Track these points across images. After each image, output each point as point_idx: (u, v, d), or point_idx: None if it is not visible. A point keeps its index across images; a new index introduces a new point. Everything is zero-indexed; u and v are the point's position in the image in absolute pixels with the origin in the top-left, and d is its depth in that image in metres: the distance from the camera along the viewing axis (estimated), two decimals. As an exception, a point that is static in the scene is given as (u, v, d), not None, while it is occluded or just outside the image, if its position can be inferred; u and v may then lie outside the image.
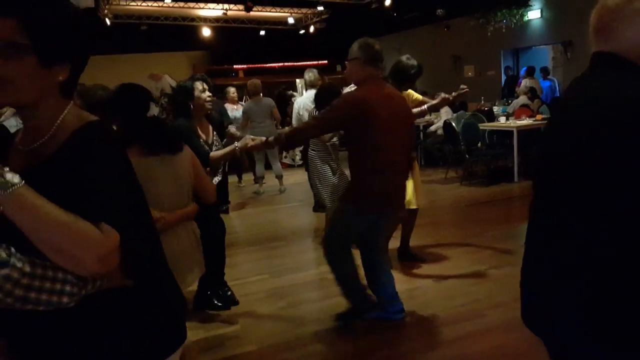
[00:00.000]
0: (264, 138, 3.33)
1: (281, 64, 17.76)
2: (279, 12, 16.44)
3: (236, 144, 3.30)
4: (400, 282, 4.35)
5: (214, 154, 3.43)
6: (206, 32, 17.19)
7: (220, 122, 4.50)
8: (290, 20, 17.09)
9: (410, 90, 4.58)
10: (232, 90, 8.84)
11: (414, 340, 3.50)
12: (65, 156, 1.23)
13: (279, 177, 8.50)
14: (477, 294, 4.06)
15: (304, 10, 16.74)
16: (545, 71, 12.28)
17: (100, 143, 1.27)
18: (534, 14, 13.00)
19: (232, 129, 5.25)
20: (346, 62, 3.40)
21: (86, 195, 1.18)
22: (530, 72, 11.83)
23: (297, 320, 3.85)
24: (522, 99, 10.31)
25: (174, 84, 9.72)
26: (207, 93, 3.58)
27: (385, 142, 3.21)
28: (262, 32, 17.66)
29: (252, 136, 3.45)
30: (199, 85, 3.55)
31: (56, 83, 1.26)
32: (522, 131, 8.07)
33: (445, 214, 6.79)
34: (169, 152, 2.56)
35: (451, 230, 5.90)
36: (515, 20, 12.96)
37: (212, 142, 3.63)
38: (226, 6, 15.55)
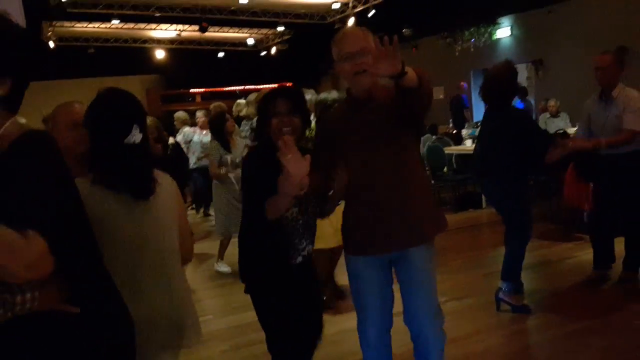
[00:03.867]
0: None
1: (242, 87, 17.78)
2: (238, 32, 16.55)
3: None
4: (351, 319, 4.32)
5: None
6: (160, 54, 17.21)
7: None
8: (250, 41, 17.20)
9: None
10: (200, 114, 8.95)
11: None
12: (0, 166, 1.31)
13: None
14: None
15: (264, 31, 16.89)
16: (523, 91, 12.20)
17: (31, 152, 1.34)
18: (503, 32, 13.34)
19: None
20: None
21: (12, 203, 1.26)
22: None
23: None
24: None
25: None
26: None
27: None
28: (221, 54, 17.73)
29: None
30: None
31: None
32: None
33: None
34: (131, 195, 1.98)
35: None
36: (483, 39, 13.28)
37: None
38: (180, 27, 15.58)
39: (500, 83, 4.03)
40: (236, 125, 6.47)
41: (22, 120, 1.47)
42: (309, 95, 6.44)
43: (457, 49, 13.32)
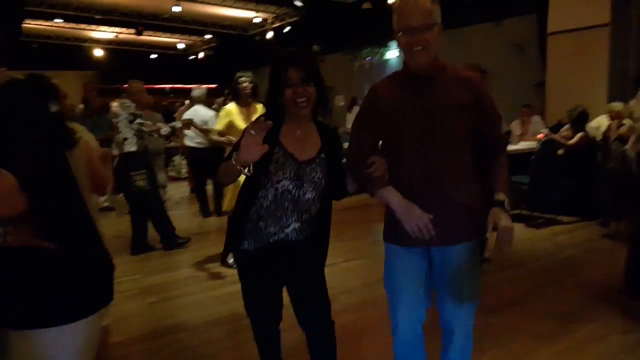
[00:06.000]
0: None
1: (171, 85, 17.26)
2: (170, 37, 16.05)
3: None
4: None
5: None
6: (98, 52, 16.38)
7: None
8: (180, 46, 16.78)
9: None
10: (115, 103, 8.56)
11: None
12: None
13: (163, 187, 8.24)
14: (331, 282, 4.18)
15: (193, 38, 16.48)
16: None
17: (12, 97, 1.24)
18: (392, 54, 13.82)
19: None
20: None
21: None
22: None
23: (165, 313, 3.74)
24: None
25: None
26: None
27: None
28: (154, 56, 17.13)
29: None
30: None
31: None
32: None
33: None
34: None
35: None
36: (377, 58, 13.71)
37: None
38: (118, 29, 14.91)
39: None
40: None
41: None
42: (197, 91, 6.48)
43: (355, 64, 13.65)
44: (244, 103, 4.42)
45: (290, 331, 2.39)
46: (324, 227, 2.13)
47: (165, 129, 5.50)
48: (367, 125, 2.03)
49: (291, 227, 2.03)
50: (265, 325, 2.26)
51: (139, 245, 5.36)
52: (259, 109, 4.46)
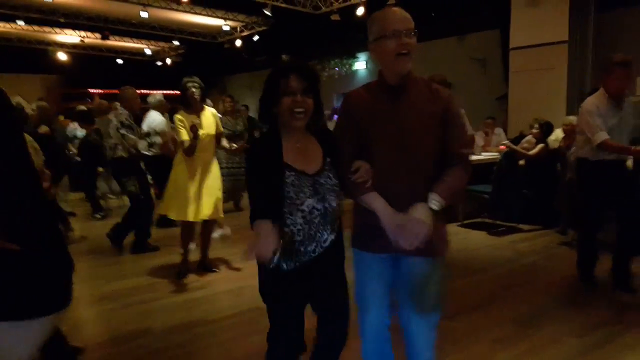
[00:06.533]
0: None
1: (138, 91, 16.97)
2: (137, 43, 15.84)
3: None
4: (235, 280, 4.37)
5: None
6: (62, 56, 15.99)
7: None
8: (147, 52, 16.57)
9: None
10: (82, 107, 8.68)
11: (242, 326, 3.47)
12: None
13: (120, 193, 8.13)
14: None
15: (161, 44, 16.32)
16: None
17: None
18: (360, 65, 14.01)
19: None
20: None
21: None
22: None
23: (127, 319, 3.65)
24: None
25: (27, 105, 8.91)
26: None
27: None
28: (120, 61, 16.85)
29: None
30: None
31: None
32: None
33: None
34: None
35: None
36: (345, 69, 13.85)
37: None
38: (83, 33, 14.62)
39: None
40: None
41: None
42: (153, 98, 6.40)
43: (324, 74, 13.74)
44: (194, 109, 4.30)
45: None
46: (340, 226, 2.05)
47: (142, 145, 5.41)
48: (346, 132, 2.01)
49: (328, 240, 1.94)
50: (292, 353, 2.04)
51: (139, 245, 5.43)
52: (209, 114, 4.40)
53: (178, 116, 4.26)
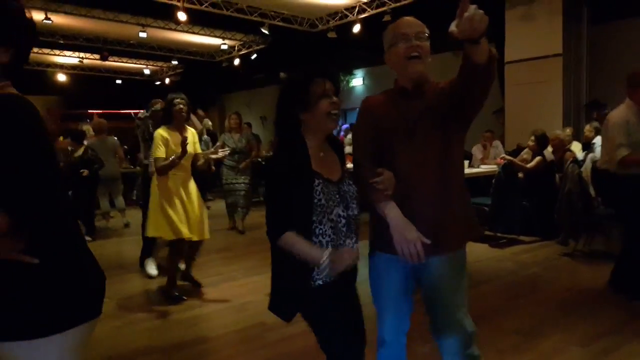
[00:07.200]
0: None
1: (137, 110, 17.08)
2: (135, 63, 15.96)
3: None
4: (237, 296, 4.37)
5: None
6: (62, 77, 16.11)
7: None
8: (146, 72, 16.69)
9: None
10: (90, 129, 8.92)
11: (247, 342, 3.47)
12: None
13: (122, 211, 8.10)
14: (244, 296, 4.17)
15: (159, 64, 16.43)
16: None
17: (4, 113, 1.24)
18: (357, 82, 14.14)
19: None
20: None
21: None
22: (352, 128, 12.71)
23: (131, 337, 3.64)
24: (348, 149, 10.99)
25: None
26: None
27: None
28: (119, 81, 16.97)
29: None
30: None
31: None
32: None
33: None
34: None
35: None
36: (342, 86, 13.95)
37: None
38: (82, 54, 14.75)
39: None
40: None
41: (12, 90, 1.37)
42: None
43: (322, 91, 13.81)
44: (178, 126, 4.20)
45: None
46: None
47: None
48: (365, 134, 2.02)
49: (354, 248, 1.89)
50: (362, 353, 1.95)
51: (140, 260, 5.42)
52: (191, 132, 4.30)
53: (160, 132, 4.12)
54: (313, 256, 1.73)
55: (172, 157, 4.04)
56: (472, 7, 1.49)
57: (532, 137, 6.39)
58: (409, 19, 1.93)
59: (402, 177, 1.90)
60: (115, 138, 8.09)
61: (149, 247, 5.39)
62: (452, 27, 1.55)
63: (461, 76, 1.74)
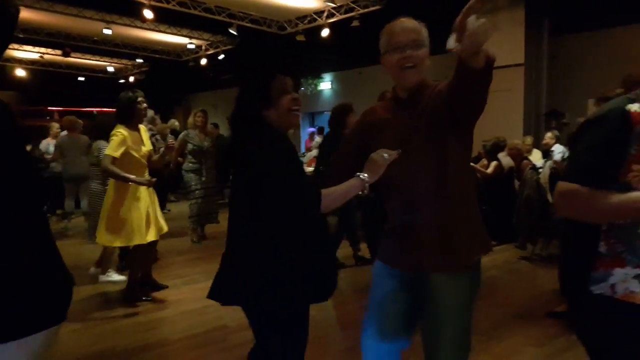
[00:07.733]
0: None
1: (99, 109, 16.70)
2: (99, 60, 15.62)
3: None
4: (199, 299, 4.31)
5: None
6: (20, 72, 15.60)
7: None
8: (110, 69, 16.34)
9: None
10: (55, 125, 8.52)
11: (209, 345, 3.43)
12: None
13: (85, 214, 7.85)
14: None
15: (124, 62, 16.12)
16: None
17: None
18: (325, 85, 14.21)
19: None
20: None
21: None
22: (320, 131, 12.73)
23: (91, 340, 3.57)
24: (314, 152, 11.03)
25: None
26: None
27: None
28: (81, 78, 16.57)
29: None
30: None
31: None
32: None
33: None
34: None
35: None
36: (310, 89, 14.00)
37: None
38: (43, 49, 14.32)
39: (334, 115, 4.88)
40: None
41: None
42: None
43: (289, 94, 13.82)
44: (136, 125, 4.06)
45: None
46: None
47: None
48: (349, 134, 2.10)
49: None
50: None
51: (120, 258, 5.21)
52: (144, 130, 4.21)
53: (122, 130, 3.93)
54: (352, 185, 1.79)
55: (137, 178, 3.93)
56: (473, 19, 1.32)
57: (481, 149, 6.66)
58: (403, 24, 1.83)
59: (398, 187, 1.85)
60: (87, 137, 7.86)
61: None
62: (451, 44, 1.42)
63: (456, 81, 1.59)
